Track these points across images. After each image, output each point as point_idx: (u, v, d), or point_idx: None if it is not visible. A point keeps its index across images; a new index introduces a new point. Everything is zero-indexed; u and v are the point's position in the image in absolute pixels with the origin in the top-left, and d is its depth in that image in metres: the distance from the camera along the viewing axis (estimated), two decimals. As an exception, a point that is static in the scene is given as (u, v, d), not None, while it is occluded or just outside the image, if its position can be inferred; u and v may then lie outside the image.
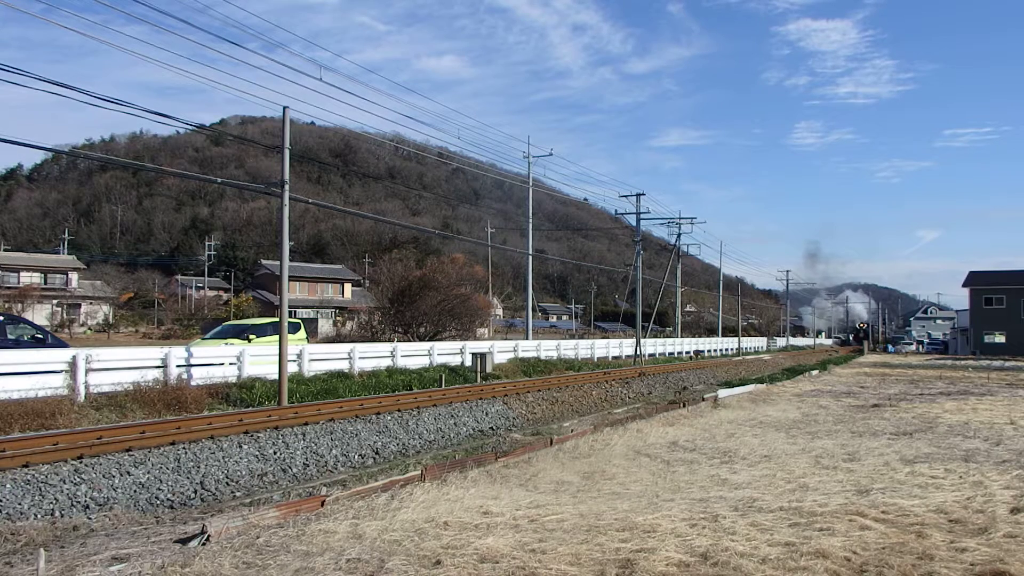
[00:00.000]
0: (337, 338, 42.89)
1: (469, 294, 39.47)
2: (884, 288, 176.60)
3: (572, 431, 13.66)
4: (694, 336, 60.30)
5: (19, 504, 8.09)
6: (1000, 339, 63.14)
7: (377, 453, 12.79)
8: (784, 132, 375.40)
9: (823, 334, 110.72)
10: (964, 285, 67.00)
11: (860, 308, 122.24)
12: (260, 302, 67.15)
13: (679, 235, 47.23)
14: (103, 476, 9.10)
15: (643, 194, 37.46)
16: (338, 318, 64.57)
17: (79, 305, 61.40)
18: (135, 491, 9.12)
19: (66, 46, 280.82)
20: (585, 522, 6.82)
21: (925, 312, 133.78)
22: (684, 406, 18.14)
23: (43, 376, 13.40)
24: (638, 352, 36.24)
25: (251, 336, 20.13)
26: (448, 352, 24.87)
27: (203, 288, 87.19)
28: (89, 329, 57.15)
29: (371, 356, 21.60)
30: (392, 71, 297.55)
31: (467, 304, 37.45)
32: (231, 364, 17.21)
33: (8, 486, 8.25)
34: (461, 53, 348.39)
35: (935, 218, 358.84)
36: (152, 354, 15.88)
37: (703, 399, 19.69)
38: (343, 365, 20.10)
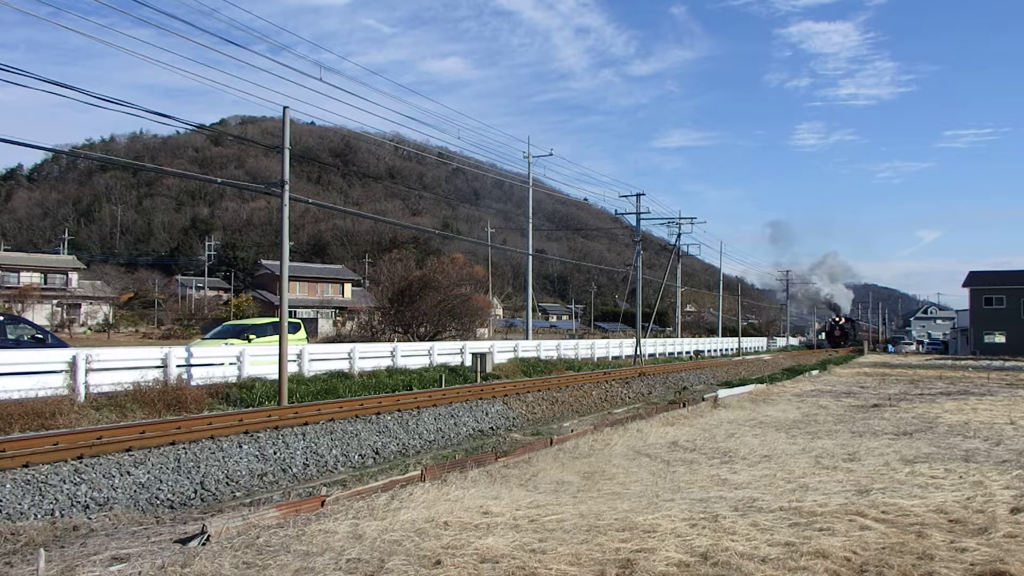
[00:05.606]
0: (337, 338, 42.89)
1: (469, 294, 39.46)
2: (884, 288, 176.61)
3: (572, 431, 13.65)
4: (694, 336, 60.24)
5: (19, 504, 8.09)
6: (1000, 339, 63.12)
7: (377, 453, 12.79)
8: (785, 133, 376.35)
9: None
10: (964, 285, 66.98)
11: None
12: (260, 302, 67.15)
13: (679, 235, 47.31)
14: (103, 476, 9.09)
15: (643, 194, 37.56)
16: (338, 318, 64.56)
17: (79, 305, 61.42)
18: (135, 491, 9.12)
19: (73, 48, 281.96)
20: (585, 522, 6.81)
21: (925, 312, 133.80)
22: (684, 406, 18.13)
23: (43, 376, 13.40)
24: (638, 352, 36.24)
25: (251, 336, 20.12)
26: (448, 352, 24.87)
27: (203, 288, 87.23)
28: (89, 329, 57.16)
29: (371, 356, 21.60)
30: (396, 73, 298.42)
31: (467, 304, 37.46)
32: (231, 364, 17.22)
33: (8, 486, 8.25)
34: (465, 55, 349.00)
35: (935, 218, 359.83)
36: (152, 354, 15.88)
37: (703, 399, 19.68)
38: (343, 365, 20.10)
